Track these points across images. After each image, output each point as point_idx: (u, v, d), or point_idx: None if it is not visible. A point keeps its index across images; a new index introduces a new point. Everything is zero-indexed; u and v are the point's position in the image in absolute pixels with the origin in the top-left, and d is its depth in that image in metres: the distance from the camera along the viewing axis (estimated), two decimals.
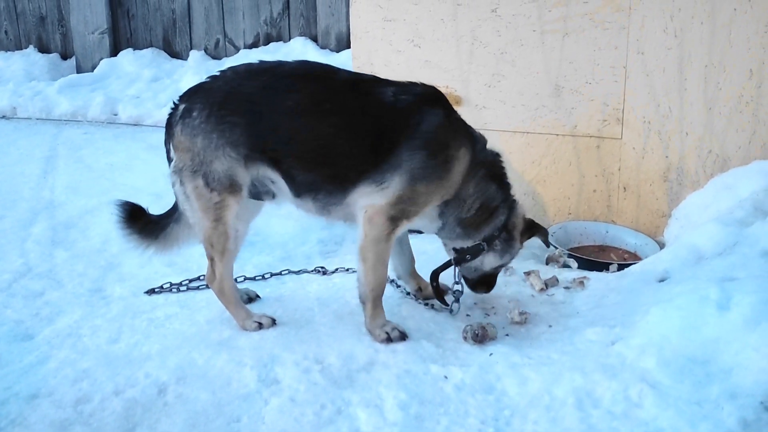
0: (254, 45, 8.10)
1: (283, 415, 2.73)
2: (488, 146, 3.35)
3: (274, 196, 3.34)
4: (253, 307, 3.50)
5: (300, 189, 3.23)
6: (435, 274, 3.45)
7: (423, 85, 3.30)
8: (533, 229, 3.44)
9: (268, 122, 3.16)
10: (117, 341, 3.31)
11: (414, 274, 3.67)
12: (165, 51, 8.51)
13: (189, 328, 3.40)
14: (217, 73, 3.30)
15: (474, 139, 3.30)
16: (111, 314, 3.56)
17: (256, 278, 3.93)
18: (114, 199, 3.50)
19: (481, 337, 3.12)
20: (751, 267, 3.16)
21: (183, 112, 3.20)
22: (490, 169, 3.32)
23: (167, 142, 3.31)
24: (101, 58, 8.49)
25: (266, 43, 8.04)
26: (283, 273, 3.97)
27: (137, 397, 2.86)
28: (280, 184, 3.26)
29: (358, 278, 3.28)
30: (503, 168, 3.37)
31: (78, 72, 8.61)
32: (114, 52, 8.55)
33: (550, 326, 3.29)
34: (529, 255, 4.21)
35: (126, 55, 8.46)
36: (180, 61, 8.38)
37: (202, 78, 7.55)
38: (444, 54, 4.65)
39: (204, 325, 3.41)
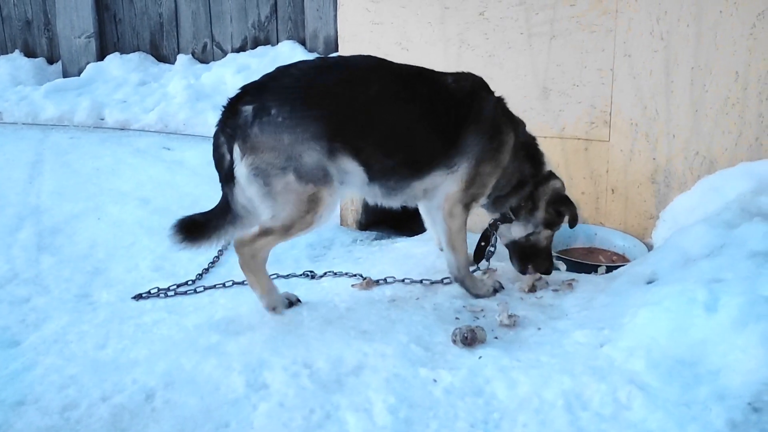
0: (242, 49, 8.09)
1: (271, 420, 2.71)
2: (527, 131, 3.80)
3: (347, 185, 3.43)
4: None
5: (375, 175, 3.41)
6: (483, 235, 3.88)
7: (471, 74, 3.64)
8: (560, 203, 3.79)
9: (348, 113, 3.29)
10: (104, 347, 3.29)
11: None
12: (152, 55, 8.49)
13: (177, 333, 3.38)
14: (276, 73, 3.36)
15: (516, 123, 3.70)
16: (98, 320, 3.54)
17: (245, 283, 3.90)
18: (170, 226, 3.37)
19: (470, 340, 3.12)
20: (739, 268, 3.17)
21: (256, 111, 3.19)
22: (527, 150, 3.74)
23: (223, 146, 3.27)
24: (88, 63, 8.46)
25: (254, 47, 8.03)
26: (271, 277, 3.95)
27: (125, 403, 2.84)
28: (355, 173, 3.35)
29: (449, 264, 3.64)
30: (537, 148, 3.81)
31: (64, 76, 8.59)
32: (101, 56, 8.53)
33: (539, 329, 3.29)
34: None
35: (113, 59, 8.45)
36: (167, 65, 8.36)
37: (190, 82, 7.54)
38: (432, 57, 4.65)
39: (192, 330, 3.39)
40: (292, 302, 3.59)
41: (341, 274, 3.95)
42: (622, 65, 4.27)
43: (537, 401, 2.72)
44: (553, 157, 4.50)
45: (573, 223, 3.85)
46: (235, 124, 3.22)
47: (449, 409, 2.73)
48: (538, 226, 3.80)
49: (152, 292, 3.81)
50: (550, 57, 4.41)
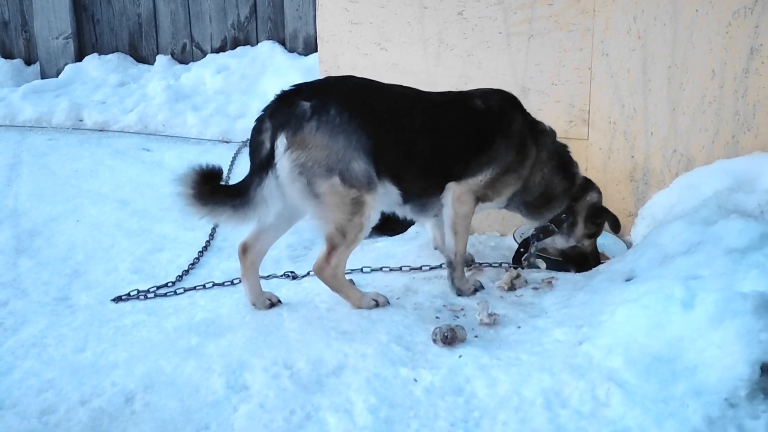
0: (221, 49, 8.05)
1: (252, 422, 2.71)
2: (557, 141, 3.88)
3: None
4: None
5: (409, 197, 3.57)
6: (524, 242, 4.01)
7: (501, 91, 3.78)
8: (598, 215, 3.91)
9: (393, 142, 3.40)
10: (83, 350, 3.27)
11: None
12: (131, 56, 8.42)
13: (156, 335, 3.37)
14: (332, 81, 3.54)
15: (544, 136, 3.81)
16: (77, 323, 3.52)
17: (225, 284, 3.91)
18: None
19: (450, 339, 3.12)
20: (715, 265, 3.19)
21: (315, 108, 3.21)
22: (557, 161, 3.82)
23: (266, 132, 3.25)
24: (66, 64, 8.38)
25: (234, 47, 7.99)
26: None
27: (104, 407, 2.83)
28: (391, 194, 3.47)
29: (447, 247, 3.69)
30: (569, 160, 3.90)
31: (42, 78, 8.50)
32: (79, 57, 8.44)
33: (519, 327, 3.30)
34: (498, 256, 4.23)
35: (91, 60, 8.37)
36: (146, 65, 8.29)
37: (170, 83, 7.49)
38: (411, 57, 4.66)
39: (172, 332, 3.38)
40: (273, 303, 3.58)
41: None
42: (600, 64, 4.30)
43: (517, 399, 2.73)
44: None
45: (617, 229, 3.98)
46: (289, 114, 3.22)
47: (429, 409, 2.74)
48: (580, 239, 3.93)
49: (132, 294, 3.79)
50: (528, 56, 4.43)
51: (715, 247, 3.35)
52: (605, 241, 4.41)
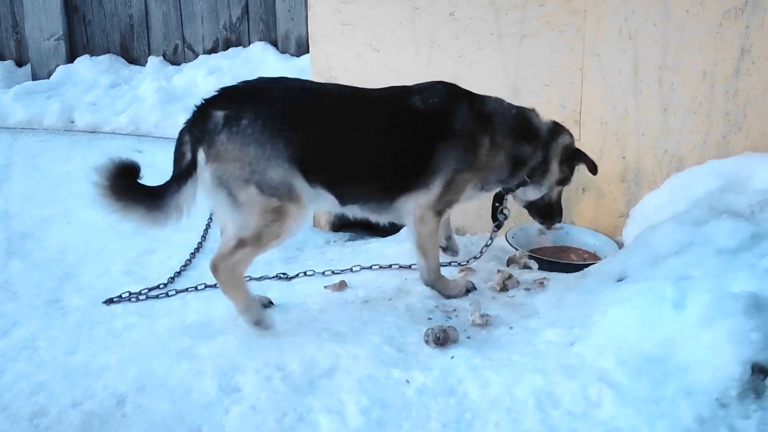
0: (213, 50, 8.03)
1: (244, 424, 2.71)
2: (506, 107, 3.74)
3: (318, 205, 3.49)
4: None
5: (347, 200, 3.48)
6: (496, 197, 3.96)
7: (441, 83, 3.62)
8: (572, 158, 3.85)
9: (323, 145, 3.31)
10: (74, 353, 3.26)
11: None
12: (122, 57, 8.40)
13: (148, 337, 3.36)
14: (256, 82, 3.35)
15: (493, 117, 3.64)
16: (68, 325, 3.51)
17: (217, 286, 3.88)
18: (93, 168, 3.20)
19: (442, 340, 3.13)
20: (706, 265, 3.20)
21: (227, 119, 3.15)
22: (515, 133, 3.69)
23: (186, 145, 3.21)
24: (57, 65, 8.35)
25: (225, 48, 7.98)
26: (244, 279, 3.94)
27: (95, 409, 2.82)
28: (327, 198, 3.40)
29: (420, 269, 3.66)
30: (528, 120, 3.76)
31: (33, 79, 8.47)
32: (70, 58, 8.42)
33: (511, 328, 3.31)
34: (491, 257, 4.24)
35: (83, 61, 8.34)
36: (138, 67, 8.28)
37: (161, 84, 7.47)
38: (403, 58, 4.66)
39: (163, 334, 3.38)
40: (265, 305, 3.57)
41: (311, 273, 3.95)
42: (591, 65, 4.30)
43: (509, 400, 2.74)
44: None
45: (594, 171, 3.91)
46: (203, 127, 3.18)
47: (422, 410, 2.74)
48: (552, 186, 3.88)
49: (123, 296, 3.78)
50: (520, 57, 4.43)
51: (706, 248, 3.36)
52: (597, 241, 4.43)
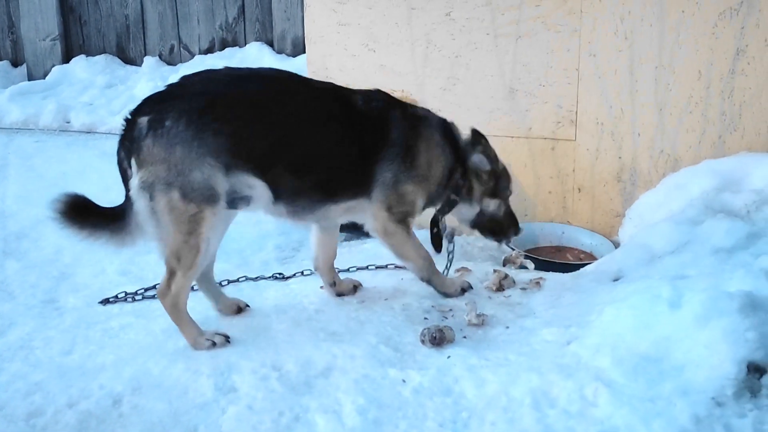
0: (209, 50, 8.03)
1: (240, 423, 2.70)
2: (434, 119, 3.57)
3: (249, 203, 3.27)
4: (217, 323, 3.42)
5: (281, 195, 3.27)
6: (432, 222, 3.69)
7: (378, 92, 3.50)
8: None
9: (256, 130, 3.17)
10: (70, 353, 3.25)
11: (331, 269, 3.72)
12: (119, 57, 8.39)
13: (144, 337, 3.36)
14: (180, 81, 3.25)
15: (427, 126, 3.51)
16: (64, 325, 3.50)
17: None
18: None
19: (438, 339, 3.13)
20: (702, 265, 3.21)
21: (151, 123, 3.06)
22: (441, 144, 3.53)
23: (125, 160, 3.15)
24: (53, 65, 8.34)
25: (222, 49, 7.98)
26: (240, 280, 3.94)
27: (91, 409, 2.81)
28: (260, 191, 3.22)
29: (412, 270, 3.61)
30: (451, 132, 3.58)
31: (29, 79, 8.46)
32: (66, 58, 8.41)
33: (507, 327, 3.31)
34: (486, 257, 4.24)
35: (78, 61, 8.34)
36: (134, 67, 8.27)
37: (157, 84, 7.48)
38: (399, 58, 4.66)
39: (159, 334, 3.37)
40: (242, 308, 3.54)
41: (308, 272, 3.94)
42: (587, 65, 4.31)
43: (505, 400, 2.74)
44: (520, 157, 4.54)
45: (505, 182, 3.70)
46: (131, 136, 3.10)
47: (418, 409, 2.74)
48: (483, 199, 3.65)
49: (119, 296, 3.77)
50: (516, 57, 4.44)
51: (701, 247, 3.37)
52: (593, 241, 4.44)
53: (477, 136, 3.61)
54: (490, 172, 3.61)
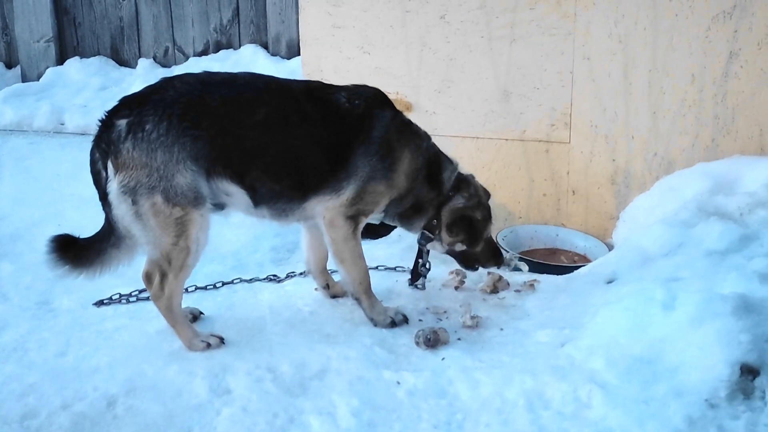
0: (204, 53, 8.03)
1: (235, 425, 2.70)
2: (431, 146, 3.52)
3: (223, 208, 3.28)
4: (199, 325, 3.41)
5: (260, 200, 3.26)
6: (419, 251, 3.66)
7: (369, 87, 3.46)
8: (456, 222, 3.50)
9: (233, 136, 3.14)
10: (65, 354, 3.24)
11: (324, 271, 3.72)
12: (113, 59, 8.39)
13: (139, 339, 3.35)
14: (159, 84, 3.22)
15: (417, 139, 3.47)
16: (58, 327, 3.49)
17: (208, 287, 3.89)
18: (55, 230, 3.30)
19: (433, 341, 3.13)
20: (696, 267, 3.22)
21: (130, 126, 3.04)
22: (427, 169, 3.48)
23: (98, 162, 3.12)
24: (47, 67, 8.33)
25: (216, 51, 7.97)
26: (234, 282, 3.94)
27: (86, 411, 2.81)
28: (237, 197, 3.22)
29: (342, 279, 3.46)
30: (439, 165, 3.52)
31: (23, 81, 8.44)
32: (60, 60, 8.40)
33: (502, 329, 3.32)
34: None
35: (73, 63, 8.33)
36: (128, 69, 8.26)
37: None
38: (394, 60, 4.67)
39: (154, 336, 3.36)
40: (196, 316, 3.51)
41: (303, 274, 3.94)
42: (581, 68, 4.33)
43: (499, 401, 2.74)
44: (515, 160, 4.55)
45: (472, 244, 3.58)
46: (108, 138, 3.06)
47: (413, 411, 2.74)
48: (450, 245, 3.57)
49: (114, 298, 3.77)
50: (510, 60, 4.45)
51: (695, 250, 3.38)
52: (587, 243, 4.45)
53: (465, 184, 3.56)
54: (454, 227, 3.52)
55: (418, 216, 3.54)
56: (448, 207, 3.52)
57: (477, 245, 3.59)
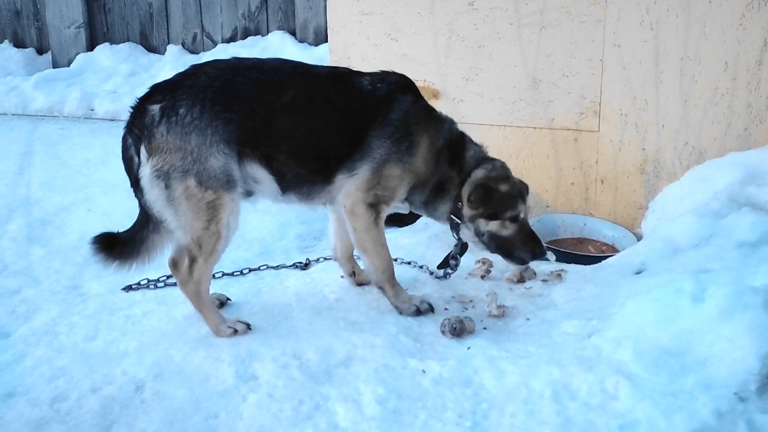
0: (232, 39, 8.05)
1: (261, 411, 2.72)
2: (454, 129, 3.51)
3: (251, 195, 3.32)
4: (226, 312, 3.44)
5: (288, 185, 3.30)
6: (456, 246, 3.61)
7: (395, 73, 3.46)
8: (475, 191, 3.41)
9: (262, 119, 3.18)
10: (94, 338, 3.29)
11: (351, 258, 3.73)
12: (142, 45, 8.45)
13: (166, 324, 3.39)
14: (190, 70, 3.25)
15: (439, 123, 3.47)
16: (88, 311, 3.54)
17: (234, 274, 3.92)
18: (89, 237, 3.29)
19: (458, 330, 3.13)
20: (726, 258, 3.18)
21: (163, 111, 3.08)
22: (450, 151, 3.47)
23: (131, 148, 3.15)
24: (77, 53, 8.42)
25: (244, 37, 8.00)
26: (261, 268, 3.96)
27: (114, 395, 2.85)
28: (265, 184, 3.26)
29: (366, 268, 3.49)
30: (463, 146, 3.50)
31: (54, 67, 8.54)
32: (90, 46, 8.48)
33: (528, 319, 3.30)
34: None
35: (102, 49, 8.40)
36: (157, 55, 8.32)
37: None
38: (421, 47, 4.65)
39: (181, 321, 3.40)
40: (223, 302, 3.55)
41: (328, 258, 3.94)
42: (611, 55, 4.28)
43: (525, 391, 2.73)
44: (543, 148, 4.51)
45: (492, 216, 3.45)
46: (141, 124, 3.10)
47: (438, 400, 2.74)
48: (476, 222, 3.45)
49: (142, 283, 3.80)
50: (539, 47, 4.41)
51: (726, 241, 3.34)
52: (615, 233, 4.41)
53: (484, 160, 3.50)
54: (472, 197, 3.41)
55: (441, 198, 3.48)
56: (468, 181, 3.46)
57: (498, 218, 3.41)
